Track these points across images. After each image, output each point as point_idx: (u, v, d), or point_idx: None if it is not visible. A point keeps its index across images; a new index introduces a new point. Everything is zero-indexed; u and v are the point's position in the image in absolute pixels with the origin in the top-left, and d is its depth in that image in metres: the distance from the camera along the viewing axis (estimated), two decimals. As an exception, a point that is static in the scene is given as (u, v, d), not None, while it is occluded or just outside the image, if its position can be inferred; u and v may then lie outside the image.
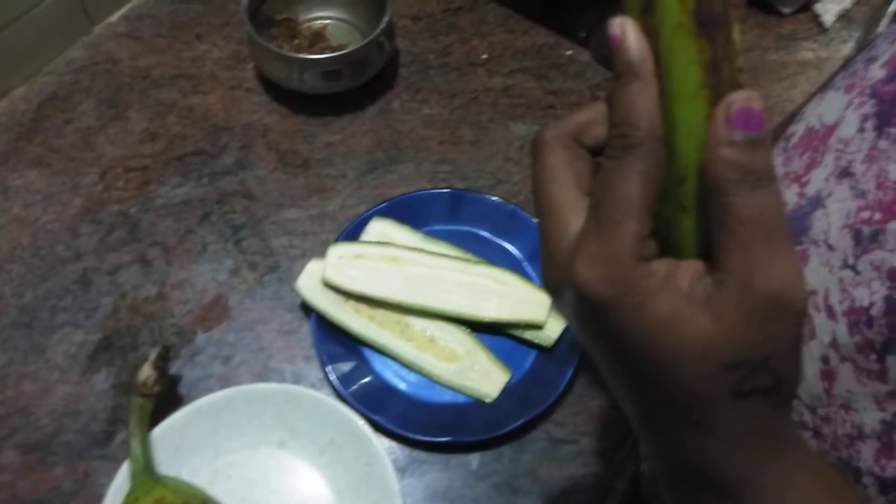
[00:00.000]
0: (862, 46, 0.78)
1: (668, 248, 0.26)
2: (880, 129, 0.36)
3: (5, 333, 0.58)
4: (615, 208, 0.24)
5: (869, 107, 0.37)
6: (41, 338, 0.59)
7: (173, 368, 0.58)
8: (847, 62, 0.46)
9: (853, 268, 0.34)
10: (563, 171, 0.26)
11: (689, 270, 0.25)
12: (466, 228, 0.64)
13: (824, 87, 0.45)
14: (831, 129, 0.40)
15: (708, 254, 0.25)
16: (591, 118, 0.27)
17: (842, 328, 0.33)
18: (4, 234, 0.63)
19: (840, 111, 0.40)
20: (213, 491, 0.52)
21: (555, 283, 0.26)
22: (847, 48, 0.79)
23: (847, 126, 0.38)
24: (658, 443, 0.27)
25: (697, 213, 0.25)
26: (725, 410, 0.24)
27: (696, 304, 0.24)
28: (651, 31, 0.24)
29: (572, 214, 0.26)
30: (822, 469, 0.28)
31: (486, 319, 0.58)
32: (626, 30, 0.24)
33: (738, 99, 0.23)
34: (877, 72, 0.38)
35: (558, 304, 0.27)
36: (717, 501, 0.26)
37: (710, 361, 0.24)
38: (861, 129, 0.37)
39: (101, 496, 0.50)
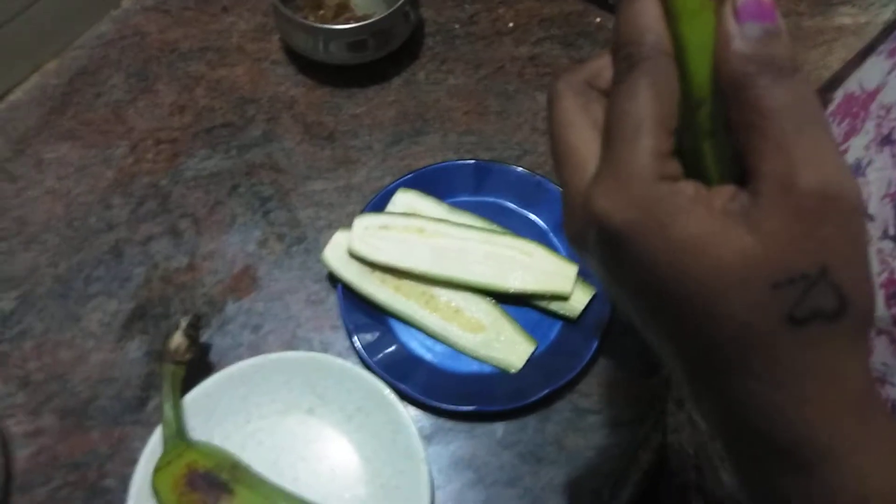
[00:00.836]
0: (903, 11, 0.76)
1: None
2: None
3: (42, 303, 0.60)
4: (626, 126, 0.22)
5: None
6: (76, 307, 0.60)
7: (204, 337, 0.59)
8: (889, 27, 0.44)
9: (894, 238, 0.33)
10: (578, 115, 0.25)
11: (721, 191, 0.22)
12: (492, 199, 0.64)
13: (864, 52, 0.44)
14: (873, 95, 0.38)
15: (740, 182, 0.22)
16: (604, 64, 0.26)
17: (879, 300, 0.33)
18: (39, 205, 0.64)
19: (882, 76, 0.38)
20: (244, 455, 0.53)
21: (576, 229, 0.24)
22: (888, 12, 0.76)
23: (890, 91, 0.37)
24: (713, 405, 0.24)
25: (721, 137, 0.23)
26: (784, 345, 0.21)
27: (732, 219, 0.21)
28: None
29: (590, 157, 0.24)
30: None
31: (511, 290, 0.58)
32: None
33: None
34: (922, 35, 0.37)
35: (583, 256, 0.25)
36: (792, 479, 0.23)
37: (756, 282, 0.21)
38: None
39: (135, 460, 0.52)
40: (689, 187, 0.22)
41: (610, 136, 0.23)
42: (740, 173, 0.22)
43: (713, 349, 0.22)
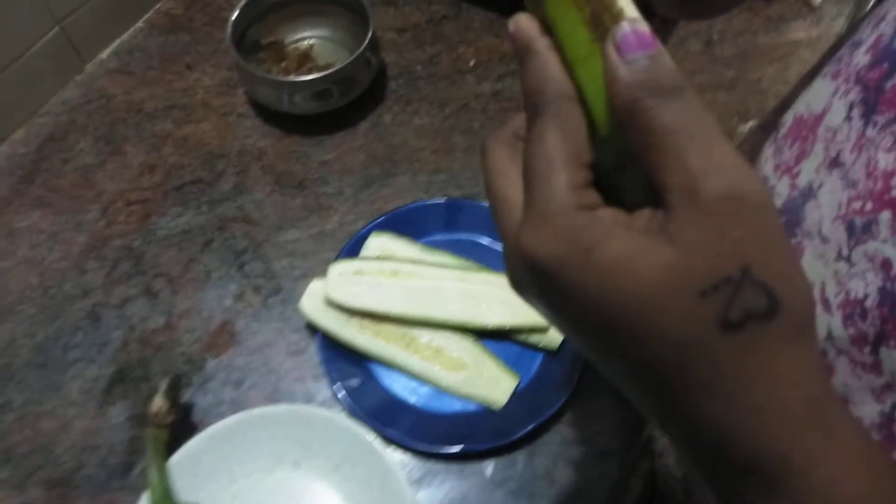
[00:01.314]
0: (853, 23, 0.78)
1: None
2: (867, 116, 0.35)
3: (21, 374, 0.60)
4: (538, 166, 0.23)
5: (855, 94, 0.37)
6: (56, 375, 0.60)
7: (185, 396, 0.58)
8: (834, 46, 0.46)
9: (847, 259, 0.33)
10: (508, 166, 0.26)
11: (640, 214, 0.23)
12: (465, 236, 0.65)
13: (811, 73, 0.45)
14: (819, 118, 0.39)
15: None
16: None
17: (836, 321, 0.33)
18: (13, 276, 0.64)
19: (827, 99, 0.39)
20: (233, 516, 0.53)
21: (514, 273, 0.25)
22: (838, 25, 0.78)
23: (834, 114, 0.38)
24: (672, 426, 0.24)
25: (633, 166, 0.24)
26: (724, 354, 0.21)
27: (649, 237, 0.22)
28: (542, 18, 0.26)
29: (519, 202, 0.25)
30: (871, 445, 0.23)
31: (489, 326, 0.59)
32: (516, 20, 0.26)
33: (620, 28, 0.23)
34: (861, 57, 0.38)
35: (525, 298, 0.26)
36: (759, 495, 0.22)
37: (682, 294, 0.21)
38: (848, 118, 0.37)
39: (123, 529, 0.51)
40: (607, 213, 0.23)
41: (527, 179, 0.24)
42: (656, 199, 0.23)
43: (656, 369, 0.22)
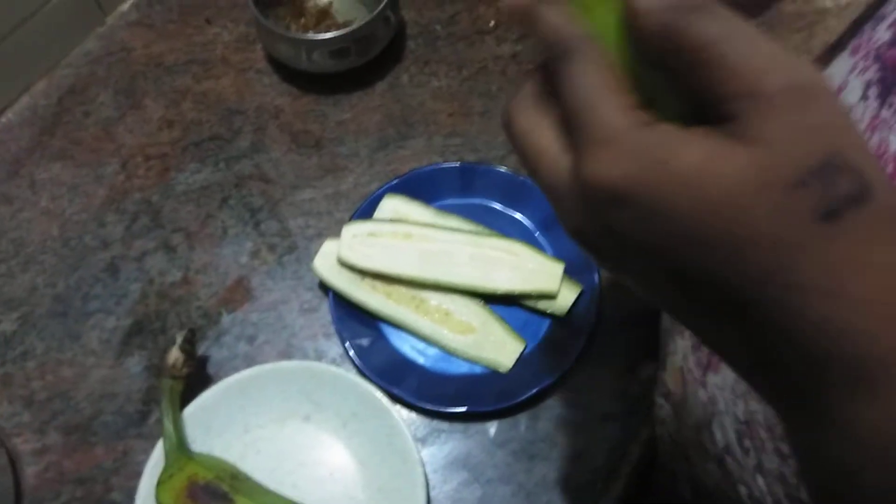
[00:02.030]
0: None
1: None
2: (883, 97, 0.35)
3: (42, 322, 0.61)
4: (586, 96, 0.23)
5: (873, 72, 0.36)
6: (76, 325, 0.61)
7: (201, 349, 0.60)
8: (861, 16, 0.45)
9: None
10: (538, 120, 0.25)
11: (696, 130, 0.22)
12: (478, 201, 0.65)
13: (835, 45, 0.44)
14: (836, 94, 0.39)
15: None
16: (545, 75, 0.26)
17: None
18: (35, 226, 0.66)
19: (845, 75, 0.39)
20: (244, 464, 0.55)
21: (575, 221, 0.24)
22: (869, -7, 0.76)
23: (851, 92, 0.38)
24: (761, 343, 0.22)
25: (660, 99, 0.24)
26: (823, 245, 0.20)
27: (724, 139, 0.21)
28: None
29: (562, 151, 0.24)
30: None
31: (498, 291, 0.59)
32: None
33: None
34: (883, 33, 0.37)
35: (591, 245, 0.25)
36: (848, 393, 0.21)
37: (774, 189, 0.20)
38: (864, 97, 0.36)
39: (139, 473, 0.53)
40: (669, 126, 0.22)
41: (575, 115, 0.23)
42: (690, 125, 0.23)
43: (750, 274, 0.21)
